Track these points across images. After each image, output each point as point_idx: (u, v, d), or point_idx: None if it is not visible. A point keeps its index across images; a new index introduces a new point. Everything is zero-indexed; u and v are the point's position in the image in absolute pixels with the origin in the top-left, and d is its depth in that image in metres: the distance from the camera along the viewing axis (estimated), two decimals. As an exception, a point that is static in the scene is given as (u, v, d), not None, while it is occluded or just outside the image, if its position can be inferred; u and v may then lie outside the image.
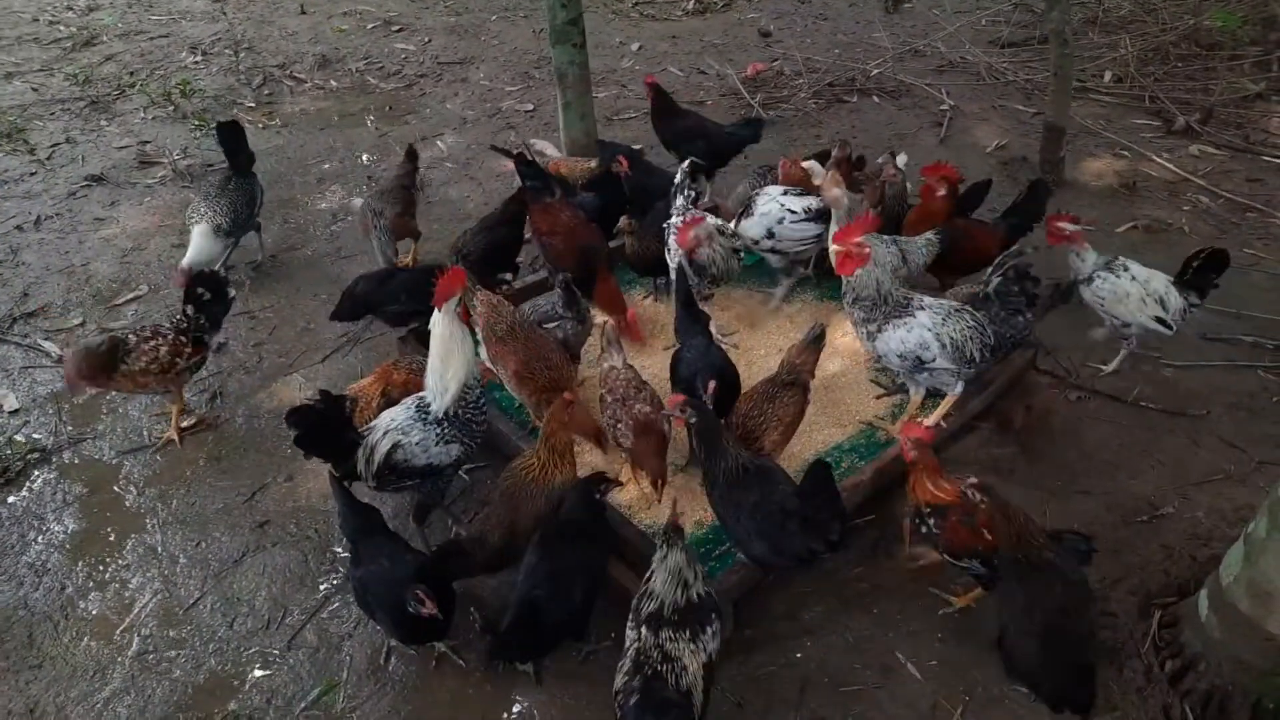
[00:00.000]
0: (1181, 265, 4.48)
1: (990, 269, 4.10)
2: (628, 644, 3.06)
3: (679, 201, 4.87)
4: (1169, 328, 4.37)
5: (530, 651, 3.36)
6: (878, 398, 4.49)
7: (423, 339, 4.78)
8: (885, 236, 4.49)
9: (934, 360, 3.88)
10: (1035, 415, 4.47)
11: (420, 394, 3.71)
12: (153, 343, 4.34)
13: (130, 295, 5.73)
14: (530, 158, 5.07)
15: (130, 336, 4.35)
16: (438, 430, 3.61)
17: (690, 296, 4.36)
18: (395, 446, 3.57)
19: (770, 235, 4.90)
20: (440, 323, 3.59)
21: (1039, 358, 4.73)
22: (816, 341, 3.97)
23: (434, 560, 3.39)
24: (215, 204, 5.45)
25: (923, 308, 3.90)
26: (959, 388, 4.05)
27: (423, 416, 3.62)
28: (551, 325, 4.36)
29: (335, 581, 3.84)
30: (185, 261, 5.31)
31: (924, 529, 3.40)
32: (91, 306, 5.64)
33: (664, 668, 2.91)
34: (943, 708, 3.26)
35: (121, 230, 6.42)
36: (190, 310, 4.50)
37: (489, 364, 4.23)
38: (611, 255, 5.16)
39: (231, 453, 4.54)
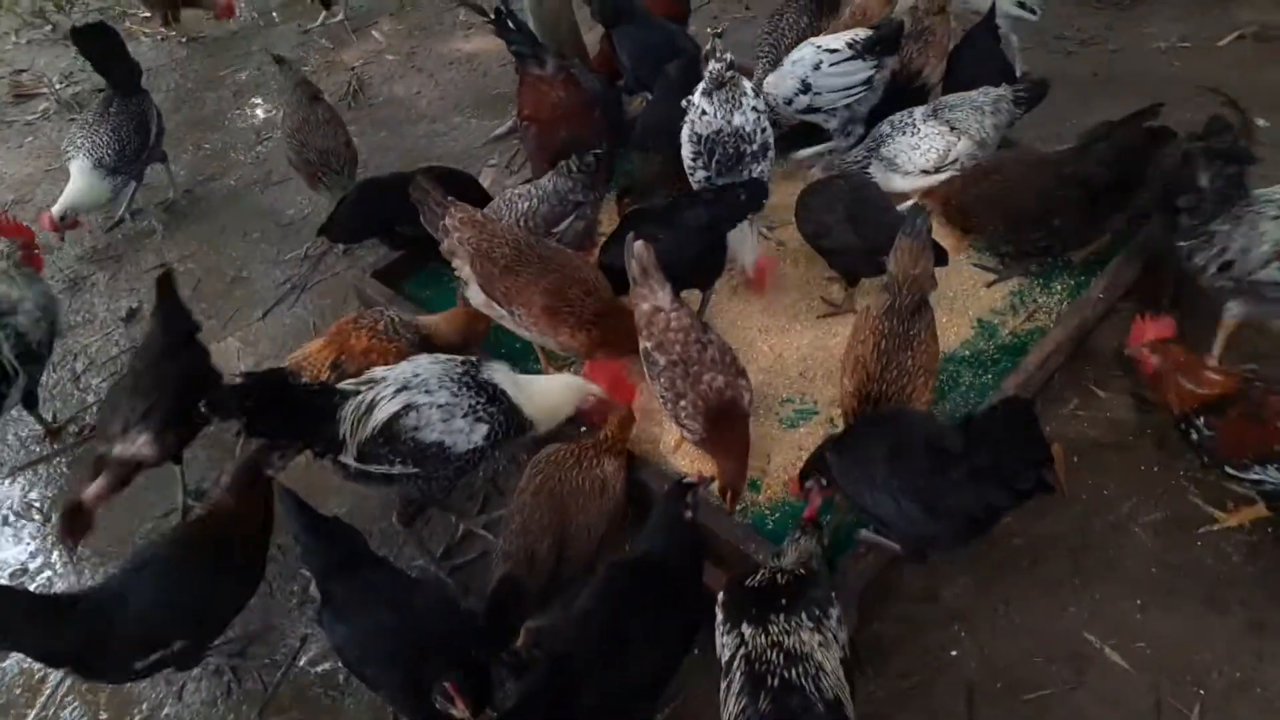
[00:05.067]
0: None
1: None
2: (726, 655, 2.13)
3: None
4: (1033, 12, 4.32)
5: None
6: (989, 285, 3.47)
7: (384, 279, 3.73)
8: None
9: None
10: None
11: (472, 358, 2.75)
12: None
13: (15, 259, 4.57)
14: (512, 20, 3.82)
15: None
16: (473, 399, 2.60)
17: None
18: (408, 408, 2.55)
19: (805, 89, 3.72)
20: None
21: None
22: (926, 236, 2.75)
23: (491, 604, 2.37)
24: (94, 134, 4.24)
25: None
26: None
27: (465, 379, 2.64)
28: (563, 226, 3.25)
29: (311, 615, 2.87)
30: (58, 205, 4.16)
31: (1194, 435, 2.61)
32: (-32, 278, 4.49)
33: (792, 673, 2.00)
34: (1171, 708, 2.37)
35: (-2, 179, 5.21)
36: None
37: (486, 308, 3.05)
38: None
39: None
